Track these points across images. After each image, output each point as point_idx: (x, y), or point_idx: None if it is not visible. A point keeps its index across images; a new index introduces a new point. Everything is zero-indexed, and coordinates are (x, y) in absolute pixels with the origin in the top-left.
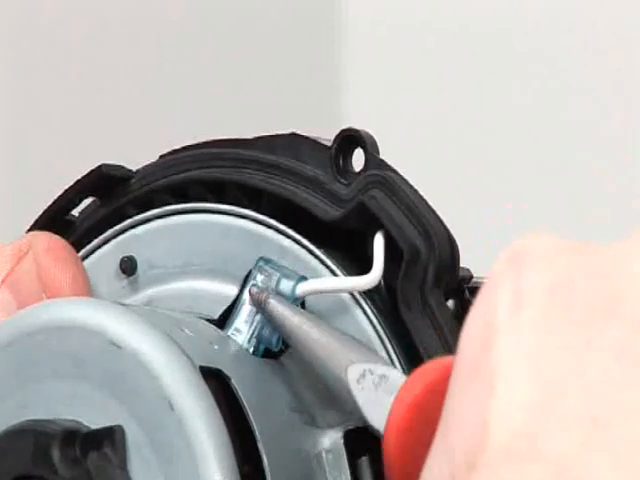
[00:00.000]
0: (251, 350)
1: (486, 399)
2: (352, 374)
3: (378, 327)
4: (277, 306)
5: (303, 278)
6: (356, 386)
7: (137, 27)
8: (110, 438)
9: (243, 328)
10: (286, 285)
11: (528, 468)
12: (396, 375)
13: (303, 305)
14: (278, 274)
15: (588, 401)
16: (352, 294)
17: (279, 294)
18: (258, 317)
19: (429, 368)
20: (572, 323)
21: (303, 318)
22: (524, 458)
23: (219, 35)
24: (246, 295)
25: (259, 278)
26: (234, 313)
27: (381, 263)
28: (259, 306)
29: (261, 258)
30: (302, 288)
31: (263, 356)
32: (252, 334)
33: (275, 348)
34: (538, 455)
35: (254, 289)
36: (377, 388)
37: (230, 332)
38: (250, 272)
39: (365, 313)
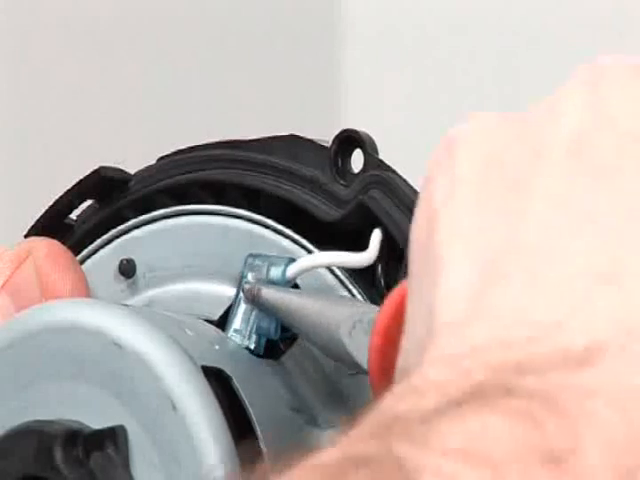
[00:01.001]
0: (253, 346)
1: (431, 289)
2: (344, 329)
3: None
4: (268, 292)
5: (292, 260)
6: (348, 339)
7: (136, 28)
8: (112, 438)
9: (241, 327)
10: (276, 271)
11: (469, 331)
12: None
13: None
14: (266, 264)
15: (525, 257)
16: (354, 296)
17: (271, 282)
18: (254, 313)
19: (389, 299)
20: (502, 186)
21: (294, 294)
22: (464, 325)
23: (218, 36)
24: (240, 294)
25: (250, 275)
26: (232, 315)
27: (377, 244)
28: (253, 300)
29: (249, 255)
30: (292, 269)
31: (265, 353)
32: (251, 330)
33: (275, 336)
34: (478, 317)
35: (246, 286)
36: (367, 334)
37: (230, 334)
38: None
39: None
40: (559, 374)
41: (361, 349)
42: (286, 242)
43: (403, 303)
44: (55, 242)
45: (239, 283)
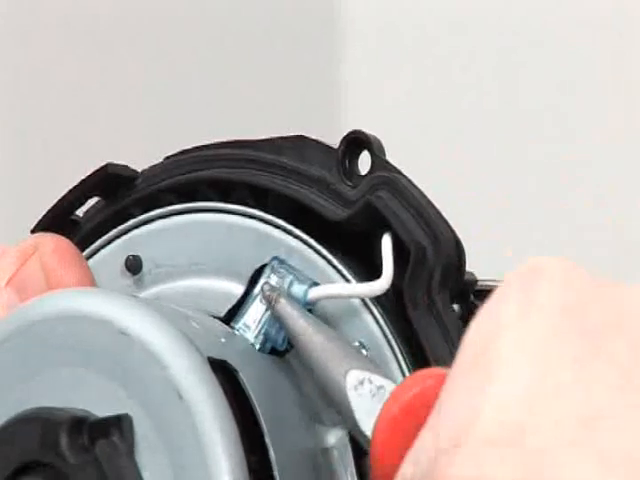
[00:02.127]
0: (258, 346)
1: (483, 387)
2: (351, 380)
3: (385, 328)
4: (286, 306)
5: (315, 284)
6: (353, 392)
7: (138, 28)
8: (118, 426)
9: (251, 324)
10: (298, 289)
11: (509, 454)
12: (393, 388)
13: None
14: (291, 276)
15: (584, 407)
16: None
17: (290, 296)
18: (267, 315)
19: (420, 376)
20: (580, 336)
21: (310, 322)
22: (507, 445)
23: (218, 36)
24: (257, 292)
25: (273, 278)
26: (243, 309)
27: (391, 269)
28: (269, 304)
29: (275, 258)
30: (313, 293)
31: (269, 353)
32: (260, 331)
33: (280, 347)
34: (522, 445)
35: (267, 287)
36: (373, 398)
37: (238, 327)
38: (261, 270)
39: (372, 314)
40: None
41: (365, 410)
42: (293, 241)
43: (430, 390)
44: (61, 237)
45: (252, 279)
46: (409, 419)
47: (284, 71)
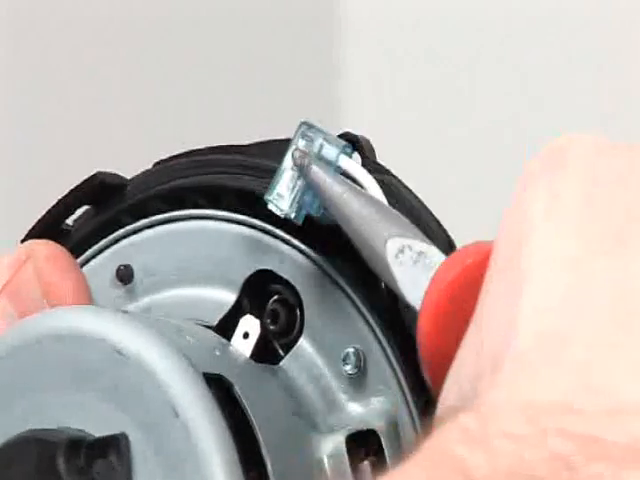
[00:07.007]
0: (293, 215)
1: (516, 299)
2: (391, 248)
3: (379, 334)
4: (319, 173)
5: (347, 147)
6: (394, 261)
7: (132, 30)
8: (115, 446)
9: (285, 193)
10: (329, 151)
11: (551, 374)
12: (434, 252)
13: None
14: (320, 139)
15: (619, 309)
16: (354, 302)
17: (322, 159)
18: (300, 182)
19: (468, 251)
20: (609, 231)
21: (345, 188)
22: (546, 364)
23: (217, 36)
24: (287, 161)
25: (301, 142)
26: (275, 179)
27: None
28: (301, 170)
29: (303, 123)
30: (345, 162)
31: (265, 358)
32: (294, 199)
33: (317, 213)
34: (560, 361)
35: (297, 153)
36: (415, 264)
37: (272, 197)
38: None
39: (366, 320)
40: (632, 471)
41: (408, 280)
42: (285, 247)
43: (476, 267)
44: (54, 244)
45: (290, 149)
46: (453, 298)
47: (283, 72)
